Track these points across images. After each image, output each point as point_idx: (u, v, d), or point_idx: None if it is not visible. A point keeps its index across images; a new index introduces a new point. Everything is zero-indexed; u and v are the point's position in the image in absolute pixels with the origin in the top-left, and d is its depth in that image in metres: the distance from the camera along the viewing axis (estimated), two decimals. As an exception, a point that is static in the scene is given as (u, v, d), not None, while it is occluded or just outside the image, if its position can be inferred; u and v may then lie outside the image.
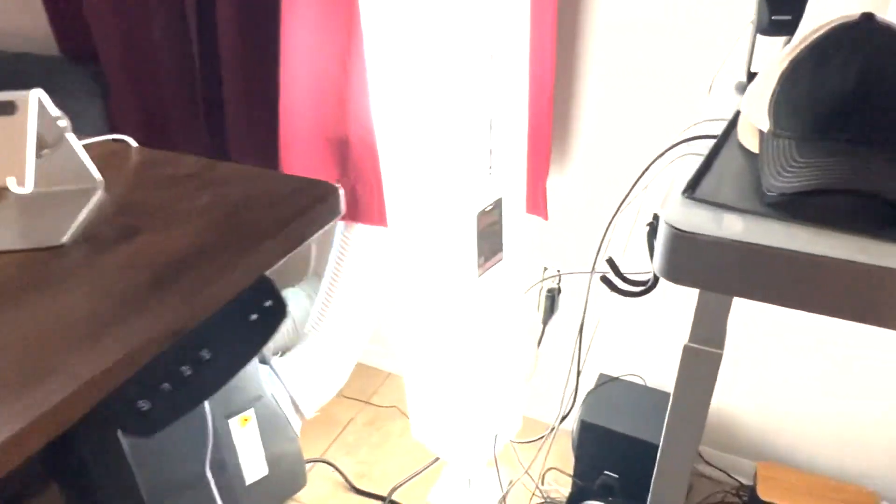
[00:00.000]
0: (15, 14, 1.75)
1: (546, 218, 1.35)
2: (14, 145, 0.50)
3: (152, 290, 0.46)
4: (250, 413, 1.32)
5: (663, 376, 1.55)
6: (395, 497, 1.54)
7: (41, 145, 0.54)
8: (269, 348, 1.59)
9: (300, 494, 1.55)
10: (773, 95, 0.67)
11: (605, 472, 1.45)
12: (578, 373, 1.21)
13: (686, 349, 1.01)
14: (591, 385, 1.53)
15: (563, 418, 1.24)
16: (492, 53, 1.00)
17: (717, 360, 1.00)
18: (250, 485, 1.39)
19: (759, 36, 1.00)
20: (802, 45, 0.66)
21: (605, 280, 0.78)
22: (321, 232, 0.53)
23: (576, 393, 1.28)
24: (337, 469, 1.61)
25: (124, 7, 1.41)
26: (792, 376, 1.41)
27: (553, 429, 1.29)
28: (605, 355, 1.58)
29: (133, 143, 0.66)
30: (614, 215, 0.92)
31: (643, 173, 0.89)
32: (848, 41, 0.62)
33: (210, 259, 0.48)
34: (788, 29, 0.95)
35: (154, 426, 0.43)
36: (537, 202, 1.32)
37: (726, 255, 0.63)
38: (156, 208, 0.54)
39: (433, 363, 1.29)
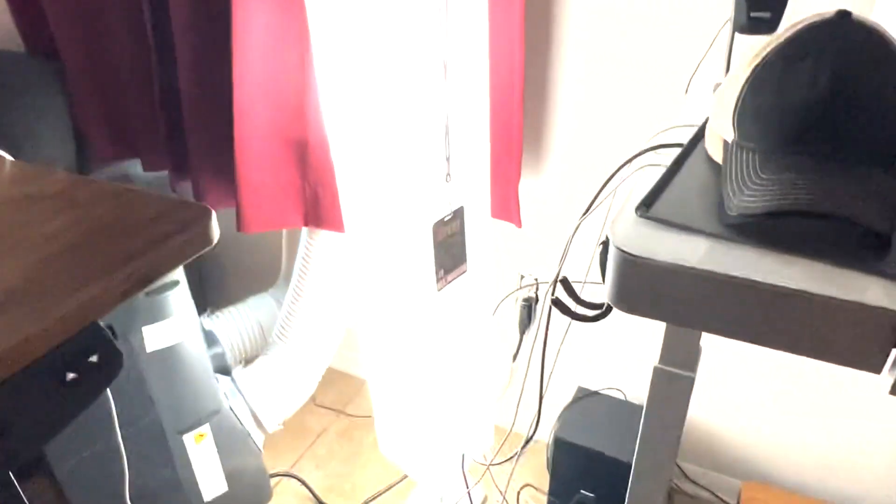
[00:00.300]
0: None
1: (519, 225, 1.28)
2: None
3: None
4: (206, 429, 1.26)
5: (644, 390, 1.48)
6: (364, 513, 1.48)
7: None
8: (235, 358, 1.53)
9: (265, 510, 1.49)
10: (737, 102, 0.60)
11: (582, 490, 1.38)
12: (541, 386, 1.14)
13: (656, 371, 0.94)
14: (570, 399, 1.46)
15: (529, 440, 1.18)
16: (444, 58, 0.93)
17: (689, 383, 0.93)
18: (209, 502, 1.33)
19: (737, 35, 0.93)
20: (770, 47, 0.58)
21: (556, 303, 0.72)
22: (182, 264, 0.46)
23: (539, 404, 1.21)
24: (304, 483, 1.55)
25: (83, 4, 1.35)
26: (778, 395, 1.34)
27: (525, 442, 1.22)
28: (585, 367, 1.52)
29: (7, 156, 0.59)
30: (576, 230, 0.85)
31: (607, 182, 0.82)
32: (820, 42, 0.55)
33: (29, 302, 0.40)
34: (768, 27, 0.88)
35: None
36: (509, 208, 1.25)
37: (681, 283, 0.56)
38: (1, 234, 0.47)
39: (398, 377, 1.23)
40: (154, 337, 1.11)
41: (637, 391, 1.49)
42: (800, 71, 0.56)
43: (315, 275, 1.35)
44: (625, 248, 0.57)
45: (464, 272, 1.10)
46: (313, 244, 1.31)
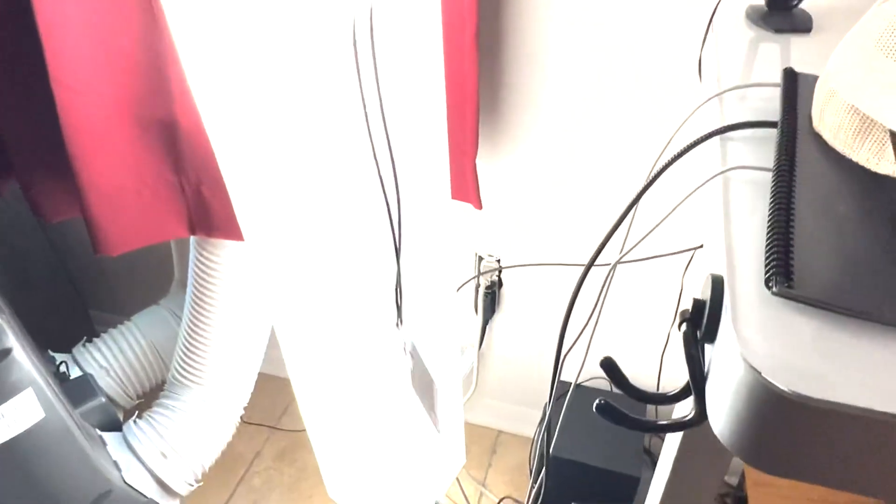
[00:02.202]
0: None
1: (479, 206, 0.99)
2: None
3: None
4: (93, 519, 0.94)
5: (634, 375, 1.27)
6: (317, 557, 1.24)
7: None
8: (126, 396, 1.19)
9: (194, 576, 1.22)
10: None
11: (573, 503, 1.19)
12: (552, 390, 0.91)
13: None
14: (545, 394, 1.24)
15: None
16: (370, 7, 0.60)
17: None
18: None
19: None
20: None
21: (604, 409, 0.45)
22: None
23: (547, 414, 0.98)
24: (240, 531, 1.27)
25: None
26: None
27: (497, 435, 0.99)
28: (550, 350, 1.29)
29: None
30: (597, 249, 0.57)
31: (651, 182, 0.53)
32: None
33: None
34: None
35: None
36: (466, 188, 0.95)
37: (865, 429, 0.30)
38: None
39: (343, 426, 0.95)
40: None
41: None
42: None
43: (217, 296, 1.01)
44: (772, 380, 0.30)
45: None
46: (209, 258, 0.97)
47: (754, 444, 0.33)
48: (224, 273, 0.99)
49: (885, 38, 0.37)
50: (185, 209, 0.92)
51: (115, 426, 1.09)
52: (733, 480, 1.31)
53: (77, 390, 1.02)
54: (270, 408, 1.52)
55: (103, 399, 1.09)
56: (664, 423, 0.45)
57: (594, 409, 0.44)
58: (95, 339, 1.19)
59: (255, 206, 0.80)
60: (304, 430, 1.48)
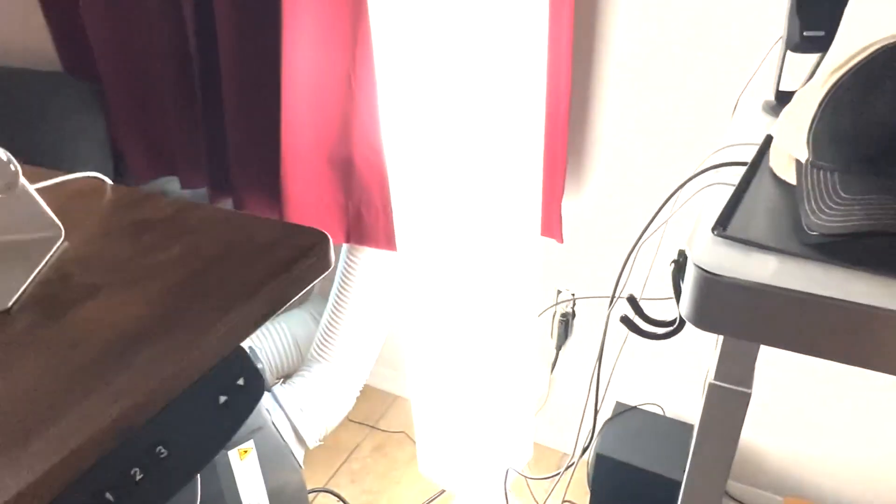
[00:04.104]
0: (17, 29, 1.72)
1: (561, 241, 1.29)
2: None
3: (100, 373, 0.39)
4: (250, 444, 1.26)
5: (683, 406, 1.48)
6: (401, 530, 1.48)
7: (-6, 190, 0.48)
8: (271, 374, 1.54)
9: (303, 527, 1.49)
10: (812, 122, 0.61)
11: (623, 507, 1.37)
12: (596, 409, 1.15)
13: (711, 388, 0.94)
14: (608, 414, 1.46)
15: (584, 450, 1.17)
16: (507, 70, 0.94)
17: (745, 399, 0.92)
18: (250, 519, 1.33)
19: (788, 53, 0.93)
20: (845, 68, 0.59)
21: (625, 320, 0.72)
22: (307, 289, 0.47)
23: (593, 427, 1.21)
24: (341, 499, 1.54)
25: (123, 22, 1.37)
26: (821, 412, 1.34)
27: (571, 464, 1.22)
28: (622, 382, 1.51)
29: (107, 180, 0.60)
30: (635, 246, 0.86)
31: (665, 202, 0.82)
32: (899, 64, 0.56)
33: (172, 330, 0.41)
34: (821, 45, 0.89)
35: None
36: (552, 224, 1.26)
37: (762, 301, 0.56)
38: (119, 263, 0.48)
39: (441, 394, 1.23)
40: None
41: (676, 407, 1.48)
42: (879, 91, 0.56)
43: (355, 292, 1.35)
44: (706, 267, 0.58)
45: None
46: (355, 262, 1.32)
47: (700, 313, 0.60)
48: (360, 273, 1.33)
49: (794, 110, 0.66)
50: (345, 223, 1.29)
51: (266, 389, 1.42)
52: (775, 516, 1.44)
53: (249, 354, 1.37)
54: (371, 412, 1.82)
55: (261, 365, 1.43)
56: (662, 331, 0.72)
57: (626, 299, 0.71)
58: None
59: (412, 223, 1.13)
60: (398, 432, 1.77)
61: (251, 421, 1.28)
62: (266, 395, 1.41)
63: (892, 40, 0.58)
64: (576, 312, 1.49)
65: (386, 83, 0.99)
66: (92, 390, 0.36)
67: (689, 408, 1.48)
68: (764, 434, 1.42)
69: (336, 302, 1.37)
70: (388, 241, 1.26)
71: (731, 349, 0.91)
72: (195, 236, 0.48)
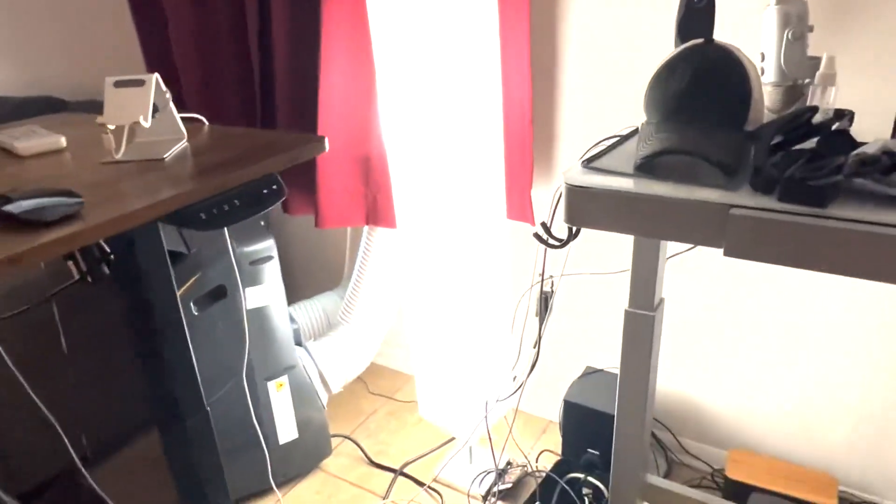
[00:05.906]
0: (117, 61, 2.21)
1: (533, 223, 1.62)
2: (143, 102, 0.87)
3: (208, 174, 0.78)
4: (284, 379, 1.60)
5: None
6: (406, 470, 1.77)
7: (155, 108, 0.89)
8: (305, 336, 1.89)
9: (325, 463, 1.80)
10: (645, 95, 0.94)
11: (589, 450, 1.64)
12: (539, 352, 1.44)
13: (627, 314, 1.25)
14: (579, 374, 1.74)
15: (532, 367, 1.45)
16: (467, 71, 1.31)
17: (651, 321, 1.23)
18: (283, 444, 1.65)
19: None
20: (664, 61, 0.93)
21: (537, 236, 1.04)
22: (305, 158, 0.86)
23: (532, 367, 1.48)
24: (358, 445, 1.85)
25: (201, 34, 1.80)
26: (763, 370, 1.59)
27: (530, 371, 1.49)
28: (592, 350, 1.80)
29: (206, 121, 1.07)
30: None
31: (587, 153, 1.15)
32: (690, 56, 0.89)
33: (242, 164, 0.81)
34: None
35: (208, 226, 0.74)
36: (523, 209, 1.59)
37: (606, 201, 0.89)
38: (212, 147, 0.88)
39: (438, 342, 1.55)
40: (253, 297, 1.48)
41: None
42: (676, 73, 0.90)
43: (373, 265, 1.71)
44: (573, 183, 0.91)
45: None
46: (372, 240, 1.68)
47: (570, 214, 0.92)
48: (376, 249, 1.69)
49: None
50: (364, 208, 1.66)
51: (299, 344, 1.77)
52: (722, 468, 1.67)
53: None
54: (389, 387, 2.14)
55: (297, 325, 1.79)
56: (559, 242, 1.04)
57: (532, 235, 1.04)
58: (294, 305, 1.92)
59: (407, 206, 1.50)
60: (409, 402, 2.08)
61: (286, 359, 1.63)
62: (299, 348, 1.76)
63: (693, 42, 0.92)
64: (553, 291, 1.79)
65: (384, 96, 1.38)
66: (208, 177, 0.75)
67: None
68: (714, 393, 1.67)
69: (358, 274, 1.73)
70: (394, 221, 1.62)
71: (638, 279, 1.22)
72: (259, 139, 0.87)
